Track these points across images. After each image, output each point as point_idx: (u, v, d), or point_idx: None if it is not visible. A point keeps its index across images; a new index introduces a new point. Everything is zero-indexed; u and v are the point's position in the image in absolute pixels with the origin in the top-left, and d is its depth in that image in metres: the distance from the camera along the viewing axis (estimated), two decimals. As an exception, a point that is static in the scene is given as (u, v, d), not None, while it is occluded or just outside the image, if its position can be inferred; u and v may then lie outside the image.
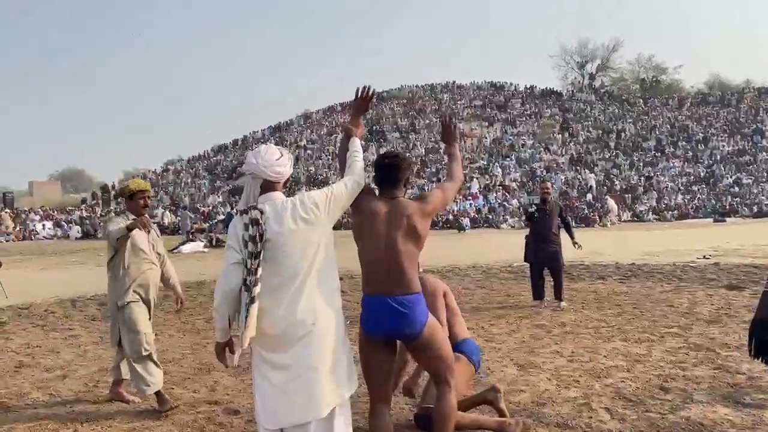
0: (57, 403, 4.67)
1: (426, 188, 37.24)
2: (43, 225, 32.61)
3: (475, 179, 37.20)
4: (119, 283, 4.37)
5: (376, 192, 3.30)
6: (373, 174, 3.37)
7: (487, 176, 39.49)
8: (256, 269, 2.75)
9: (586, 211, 29.80)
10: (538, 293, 8.09)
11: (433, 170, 40.67)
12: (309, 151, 47.57)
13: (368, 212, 3.15)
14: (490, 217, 31.07)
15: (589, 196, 32.72)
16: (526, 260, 8.32)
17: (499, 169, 39.91)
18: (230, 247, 2.83)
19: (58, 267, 15.91)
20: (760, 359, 2.21)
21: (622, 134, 43.93)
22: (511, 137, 45.78)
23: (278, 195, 2.91)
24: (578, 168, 38.49)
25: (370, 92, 3.35)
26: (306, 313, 2.78)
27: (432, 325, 3.15)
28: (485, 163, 41.96)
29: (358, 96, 3.36)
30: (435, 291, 3.87)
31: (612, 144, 42.62)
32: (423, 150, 44.99)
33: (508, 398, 4.30)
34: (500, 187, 36.35)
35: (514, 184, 36.61)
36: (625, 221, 29.87)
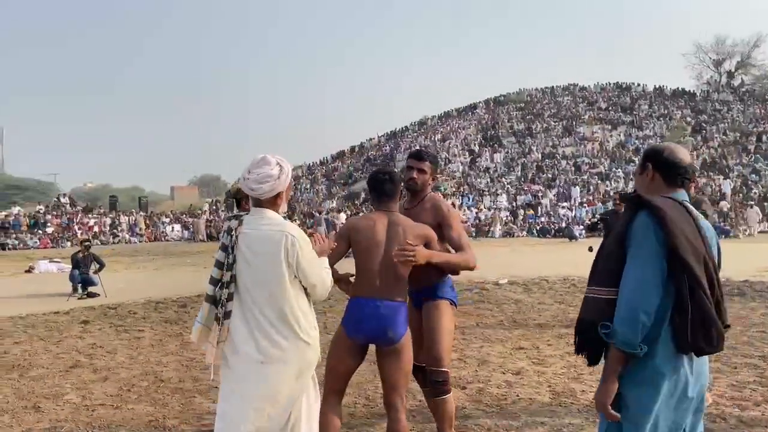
0: (84, 406, 4.74)
1: (539, 195, 35.90)
2: (172, 227, 34.97)
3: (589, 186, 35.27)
4: None
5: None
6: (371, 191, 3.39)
7: (608, 182, 37.35)
8: (228, 283, 2.67)
9: (718, 221, 27.21)
10: None
11: (550, 176, 39.11)
12: (422, 157, 47.46)
13: (366, 226, 3.25)
14: (608, 225, 29.23)
15: (724, 204, 29.88)
16: None
17: (622, 175, 37.60)
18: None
19: (172, 268, 16.80)
20: (582, 354, 2.26)
21: (764, 137, 39.83)
22: (636, 141, 43.04)
23: (266, 211, 2.75)
24: (711, 173, 35.35)
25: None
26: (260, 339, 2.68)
27: (409, 337, 3.21)
28: (606, 168, 39.73)
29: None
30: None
31: (751, 148, 38.76)
32: (539, 155, 43.41)
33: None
34: (633, 192, 34.19)
35: (636, 191, 34.28)
36: (761, 232, 27.00)
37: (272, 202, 2.77)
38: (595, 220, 7.58)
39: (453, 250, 3.43)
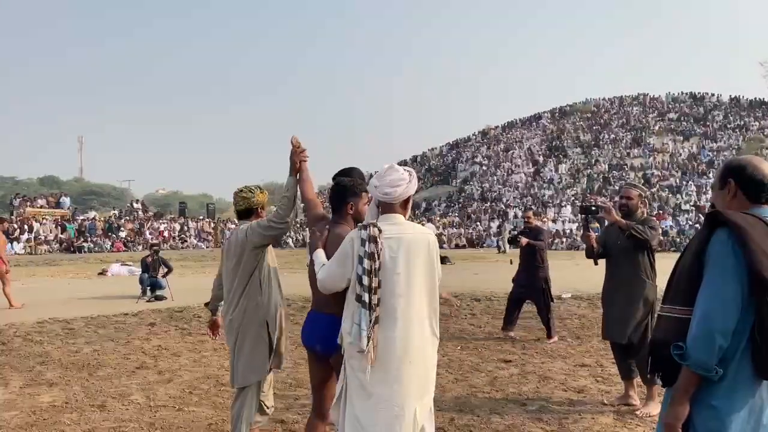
0: (148, 407, 4.87)
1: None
2: (236, 233, 35.82)
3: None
4: None
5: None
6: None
7: (679, 195, 35.98)
8: (377, 288, 2.69)
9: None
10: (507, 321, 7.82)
11: (616, 188, 37.99)
12: (484, 167, 47.03)
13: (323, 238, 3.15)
14: (678, 240, 28.12)
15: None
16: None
17: (694, 188, 36.14)
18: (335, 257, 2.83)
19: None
20: (656, 375, 2.17)
21: None
22: (709, 153, 41.33)
23: (397, 216, 2.84)
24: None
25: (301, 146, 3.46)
26: (415, 338, 2.76)
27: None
28: (677, 181, 38.28)
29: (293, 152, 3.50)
30: None
31: (838, 160, 36.57)
32: (606, 166, 42.27)
33: None
34: (693, 208, 32.85)
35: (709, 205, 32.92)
36: None
37: (403, 207, 2.86)
38: (515, 233, 7.57)
39: None
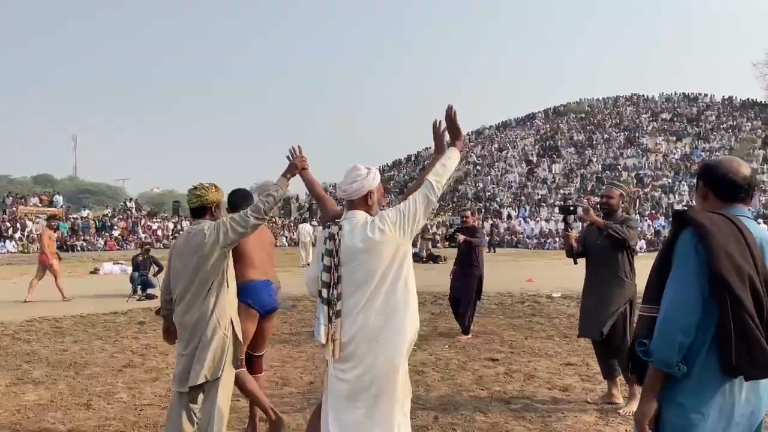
0: (133, 405, 4.88)
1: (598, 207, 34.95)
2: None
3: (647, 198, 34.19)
4: None
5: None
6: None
7: (672, 195, 36.12)
8: (335, 284, 2.77)
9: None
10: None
11: (609, 188, 38.12)
12: (478, 167, 47.10)
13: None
14: (670, 240, 28.20)
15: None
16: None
17: (686, 188, 36.29)
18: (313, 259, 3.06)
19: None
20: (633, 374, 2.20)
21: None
22: (702, 153, 41.49)
23: (359, 213, 2.86)
24: (784, 187, 33.71)
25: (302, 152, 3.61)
26: (365, 329, 2.75)
27: None
28: (670, 181, 38.43)
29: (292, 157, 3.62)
30: None
31: (830, 160, 36.81)
32: (599, 166, 42.39)
33: None
34: (686, 208, 32.95)
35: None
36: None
37: (363, 203, 2.87)
38: (451, 231, 7.63)
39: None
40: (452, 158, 3.01)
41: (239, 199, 4.16)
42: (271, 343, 7.22)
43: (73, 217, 34.88)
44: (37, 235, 24.11)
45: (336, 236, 2.79)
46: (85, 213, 38.87)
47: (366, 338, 2.73)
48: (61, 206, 36.47)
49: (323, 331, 2.76)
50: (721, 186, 2.18)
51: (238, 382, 3.80)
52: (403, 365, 2.80)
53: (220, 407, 3.47)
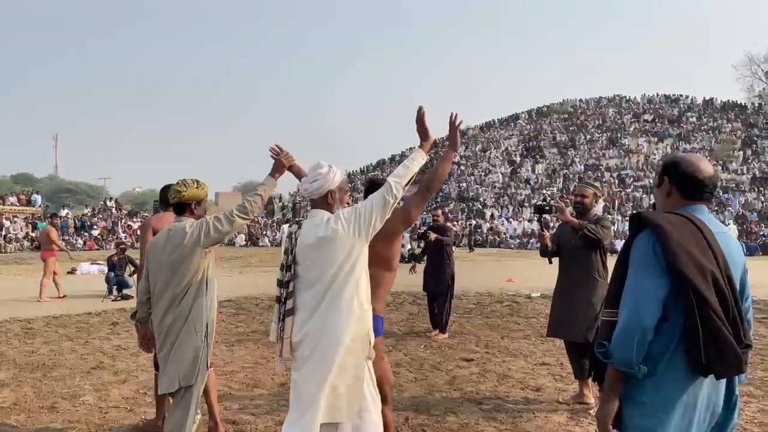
0: (99, 408, 4.78)
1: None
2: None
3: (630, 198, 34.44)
4: None
5: None
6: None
7: (653, 196, 36.40)
8: (288, 282, 2.77)
9: (766, 237, 26.18)
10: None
11: (592, 188, 38.37)
12: (462, 167, 47.19)
13: None
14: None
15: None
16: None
17: (667, 189, 36.66)
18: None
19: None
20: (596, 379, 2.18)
21: (820, 151, 38.34)
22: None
23: (320, 212, 2.86)
24: (761, 189, 34.10)
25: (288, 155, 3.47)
26: (312, 330, 2.74)
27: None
28: (651, 181, 38.72)
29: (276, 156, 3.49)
30: None
31: (807, 162, 37.32)
32: (582, 167, 42.65)
33: None
34: (643, 210, 33.32)
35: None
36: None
37: (323, 202, 2.85)
38: (422, 230, 8.16)
39: None
40: (416, 160, 3.00)
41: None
42: (243, 344, 7.17)
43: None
44: (41, 233, 23.72)
45: (294, 235, 2.79)
46: (64, 212, 38.36)
47: (315, 339, 2.71)
48: (39, 205, 36.00)
49: (273, 329, 2.78)
50: (687, 184, 2.14)
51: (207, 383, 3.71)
52: (353, 371, 2.74)
53: (192, 415, 3.36)
